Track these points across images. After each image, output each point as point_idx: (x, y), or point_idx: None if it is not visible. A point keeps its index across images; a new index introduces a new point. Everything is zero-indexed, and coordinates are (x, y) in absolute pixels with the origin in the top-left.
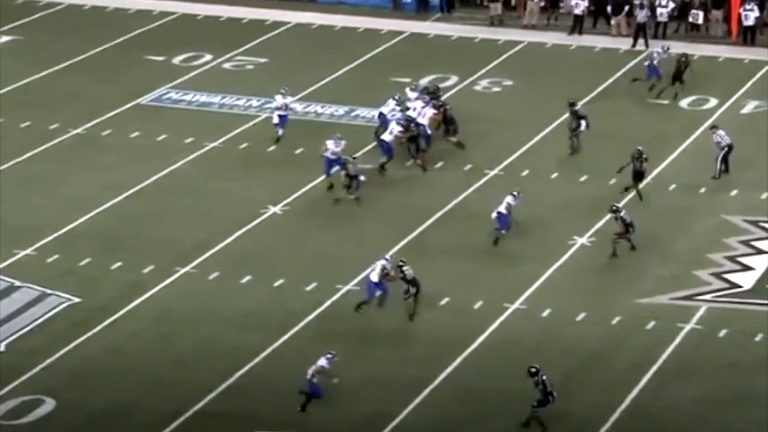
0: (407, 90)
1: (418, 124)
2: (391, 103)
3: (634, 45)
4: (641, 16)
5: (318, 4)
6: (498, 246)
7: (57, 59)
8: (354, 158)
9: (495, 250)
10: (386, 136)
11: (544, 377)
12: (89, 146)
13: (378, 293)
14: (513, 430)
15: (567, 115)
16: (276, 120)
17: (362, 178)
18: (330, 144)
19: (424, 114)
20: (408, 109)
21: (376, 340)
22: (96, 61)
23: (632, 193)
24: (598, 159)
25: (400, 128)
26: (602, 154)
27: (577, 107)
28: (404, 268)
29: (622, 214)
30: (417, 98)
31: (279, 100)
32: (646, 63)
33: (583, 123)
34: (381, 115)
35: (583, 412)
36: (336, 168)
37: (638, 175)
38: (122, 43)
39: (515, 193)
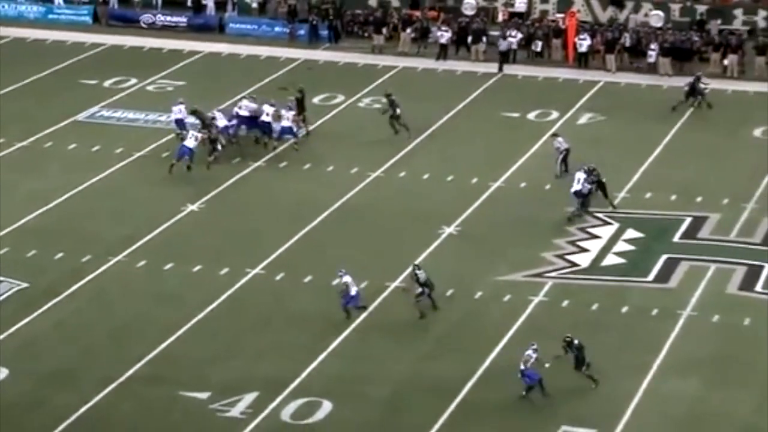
0: (245, 101)
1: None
2: (270, 110)
3: (500, 69)
4: (503, 45)
5: (227, 35)
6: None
7: (4, 84)
8: (216, 127)
9: (378, 239)
10: (266, 118)
11: (576, 341)
12: (34, 157)
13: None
14: (401, 388)
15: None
16: (176, 126)
17: (219, 147)
18: (191, 135)
19: (288, 117)
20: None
21: (276, 315)
22: (38, 85)
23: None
24: (461, 162)
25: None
26: (464, 158)
27: (393, 97)
28: (418, 272)
29: (594, 176)
30: (264, 104)
31: (175, 110)
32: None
33: (398, 110)
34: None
35: (452, 371)
36: (186, 157)
37: (600, 186)
38: (60, 70)
39: (585, 167)
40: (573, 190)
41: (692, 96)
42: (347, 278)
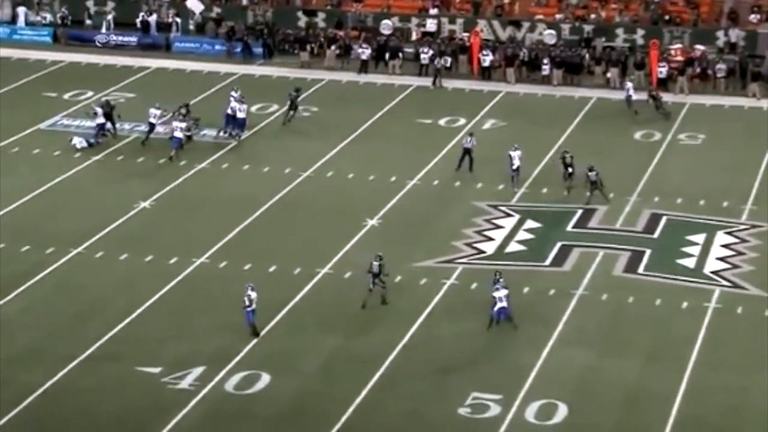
0: (151, 109)
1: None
2: (156, 112)
3: (436, 83)
4: (438, 64)
5: (173, 53)
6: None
7: None
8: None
9: (309, 231)
10: (230, 111)
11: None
12: (2, 161)
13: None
14: (330, 361)
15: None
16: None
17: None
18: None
19: (243, 110)
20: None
21: (220, 299)
22: (5, 98)
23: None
24: (381, 163)
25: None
26: (384, 160)
27: (296, 95)
28: (373, 263)
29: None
30: (236, 99)
31: (98, 110)
32: (626, 95)
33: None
34: (151, 124)
35: (376, 346)
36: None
37: (568, 169)
38: (25, 84)
39: (516, 146)
40: (515, 167)
41: (659, 107)
42: (253, 294)
